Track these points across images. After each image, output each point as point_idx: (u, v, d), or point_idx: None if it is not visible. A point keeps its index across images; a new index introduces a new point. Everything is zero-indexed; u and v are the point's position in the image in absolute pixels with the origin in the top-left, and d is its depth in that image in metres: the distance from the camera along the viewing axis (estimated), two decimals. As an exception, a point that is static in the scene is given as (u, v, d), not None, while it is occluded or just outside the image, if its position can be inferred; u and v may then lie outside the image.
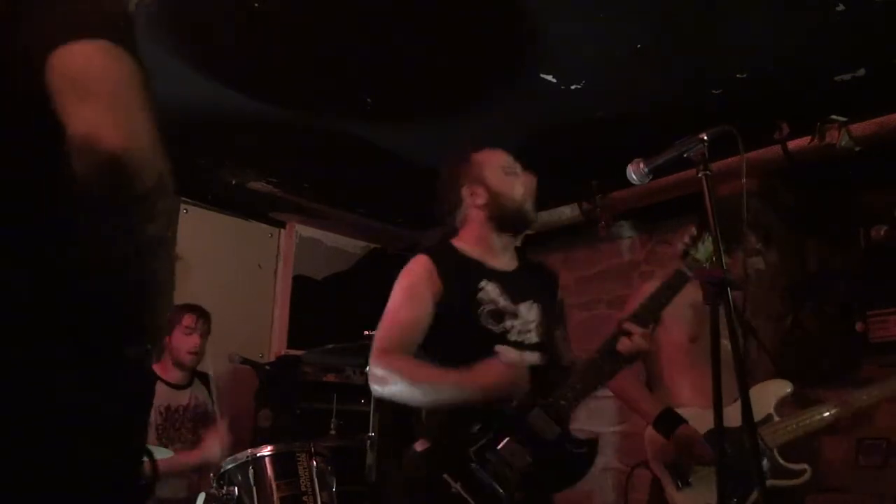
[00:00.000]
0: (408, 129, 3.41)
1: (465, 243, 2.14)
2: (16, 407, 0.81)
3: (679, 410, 2.45)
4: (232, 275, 4.29)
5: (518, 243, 2.22)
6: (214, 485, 2.49)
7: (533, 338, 2.03)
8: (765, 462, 2.35)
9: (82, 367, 0.87)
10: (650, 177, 1.87)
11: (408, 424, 2.17)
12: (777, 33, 2.57)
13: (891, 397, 2.50)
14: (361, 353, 2.56)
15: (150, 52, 2.87)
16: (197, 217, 4.19)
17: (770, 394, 2.51)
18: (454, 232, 2.19)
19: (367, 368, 2.04)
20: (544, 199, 4.05)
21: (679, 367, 2.58)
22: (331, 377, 3.96)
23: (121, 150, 0.83)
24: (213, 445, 2.97)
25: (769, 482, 2.29)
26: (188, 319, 3.27)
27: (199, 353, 3.28)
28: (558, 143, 3.46)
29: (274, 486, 2.41)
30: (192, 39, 2.72)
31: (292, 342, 4.40)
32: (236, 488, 2.43)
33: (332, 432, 3.31)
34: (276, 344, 4.43)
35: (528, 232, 2.26)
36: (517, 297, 2.04)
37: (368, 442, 2.86)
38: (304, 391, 3.85)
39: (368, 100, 3.11)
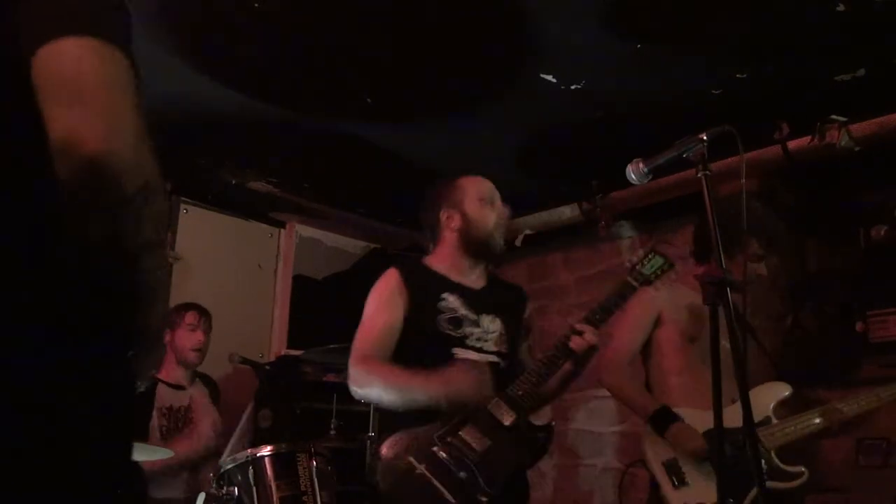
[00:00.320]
0: (408, 129, 3.40)
1: (436, 261, 2.36)
2: None
3: (677, 411, 2.45)
4: (232, 275, 4.29)
5: (491, 268, 2.44)
6: (214, 485, 2.49)
7: (491, 346, 2.24)
8: (762, 464, 2.35)
9: (65, 373, 0.86)
10: (650, 177, 1.88)
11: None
12: (777, 33, 2.57)
13: (880, 407, 2.50)
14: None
15: (150, 52, 2.89)
16: (197, 217, 4.19)
17: (769, 396, 2.51)
18: (429, 250, 2.41)
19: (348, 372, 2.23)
20: (544, 199, 4.10)
21: (677, 367, 2.58)
22: (331, 377, 3.95)
23: (103, 153, 0.82)
24: (206, 429, 2.99)
25: (766, 484, 2.29)
26: (190, 317, 3.28)
27: (203, 350, 3.29)
28: (558, 143, 3.46)
29: (274, 486, 2.41)
30: (192, 39, 2.72)
31: (292, 342, 4.39)
32: (236, 488, 2.43)
33: (332, 432, 3.31)
34: (276, 344, 4.43)
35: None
36: (479, 310, 2.26)
37: (368, 442, 2.86)
38: (304, 391, 3.84)
39: (368, 100, 3.11)
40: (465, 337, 2.20)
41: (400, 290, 2.24)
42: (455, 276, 2.32)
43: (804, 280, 3.48)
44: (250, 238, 4.47)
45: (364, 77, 2.96)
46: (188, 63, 2.84)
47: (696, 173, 1.73)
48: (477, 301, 2.28)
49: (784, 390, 2.53)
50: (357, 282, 4.82)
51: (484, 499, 1.90)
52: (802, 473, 2.41)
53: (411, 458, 1.94)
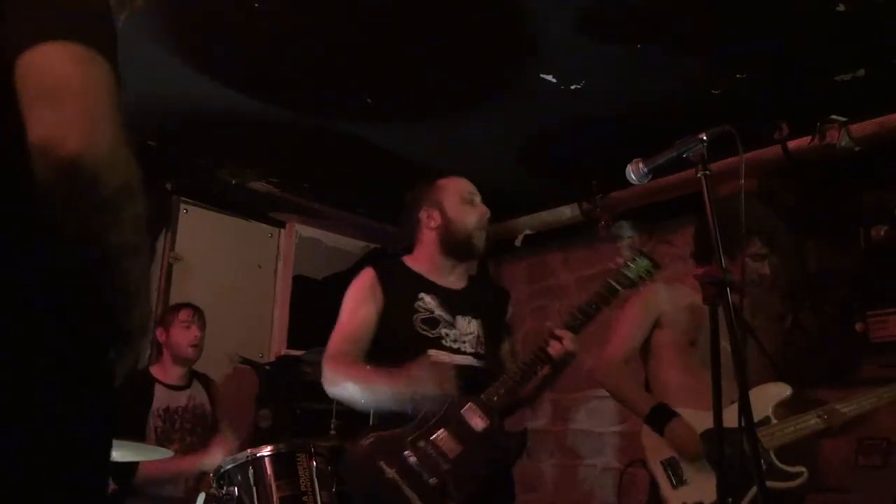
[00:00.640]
0: (408, 129, 3.41)
1: (415, 261, 2.35)
2: None
3: (677, 411, 2.45)
4: (232, 275, 4.29)
5: (472, 270, 2.44)
6: (214, 485, 2.49)
7: (468, 347, 2.21)
8: (761, 463, 2.36)
9: (44, 376, 0.86)
10: (650, 177, 1.87)
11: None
12: (777, 33, 2.57)
13: (879, 407, 2.50)
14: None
15: (150, 52, 2.89)
16: (197, 217, 4.18)
17: (769, 396, 2.51)
18: (409, 250, 2.39)
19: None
20: (544, 199, 4.10)
21: (677, 368, 2.58)
22: (331, 377, 3.95)
23: (80, 156, 0.82)
24: (217, 455, 2.96)
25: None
26: (184, 314, 3.29)
27: (200, 346, 3.29)
28: (558, 143, 3.46)
29: (274, 486, 2.41)
30: (192, 39, 2.72)
31: (292, 342, 4.39)
32: (236, 488, 2.43)
33: (332, 432, 3.31)
34: (276, 344, 4.43)
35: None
36: (456, 311, 2.24)
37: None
38: (304, 391, 3.84)
39: (368, 100, 3.11)
40: (441, 338, 2.17)
41: (375, 290, 2.23)
42: (433, 277, 2.30)
43: (804, 280, 3.48)
44: (250, 238, 4.47)
45: (364, 77, 2.96)
46: (188, 63, 2.84)
47: (696, 173, 1.73)
48: (454, 302, 2.26)
49: (784, 391, 2.53)
50: (357, 282, 4.85)
51: None
52: (802, 473, 2.41)
53: (382, 463, 1.92)
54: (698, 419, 2.38)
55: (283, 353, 4.34)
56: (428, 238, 2.33)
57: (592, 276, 4.25)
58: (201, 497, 2.58)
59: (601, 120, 3.20)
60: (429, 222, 2.33)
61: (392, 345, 2.16)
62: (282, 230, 4.62)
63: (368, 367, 2.10)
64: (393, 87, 3.03)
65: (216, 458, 2.90)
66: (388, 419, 2.06)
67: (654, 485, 2.44)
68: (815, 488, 2.75)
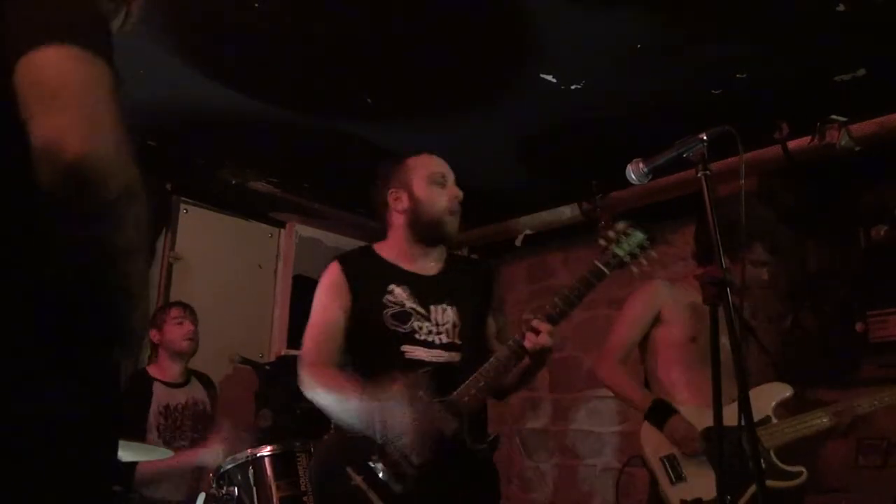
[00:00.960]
0: (408, 129, 3.40)
1: (385, 247, 2.22)
2: None
3: (676, 406, 2.45)
4: (232, 275, 4.29)
5: (444, 254, 2.23)
6: (214, 485, 2.49)
7: (444, 339, 2.06)
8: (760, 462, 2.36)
9: (48, 378, 0.86)
10: (650, 177, 1.87)
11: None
12: (777, 33, 2.57)
13: (890, 405, 2.50)
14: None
15: (150, 52, 2.88)
16: (197, 217, 4.18)
17: (769, 396, 2.51)
18: (382, 235, 2.26)
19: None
20: (544, 199, 4.10)
21: (677, 366, 2.58)
22: (331, 377, 3.95)
23: (83, 158, 0.82)
24: (215, 450, 2.97)
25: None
26: (175, 312, 3.33)
27: (194, 339, 3.30)
28: (558, 143, 3.46)
29: (274, 487, 2.41)
30: (192, 39, 2.72)
31: (292, 342, 4.38)
32: (236, 488, 2.43)
33: (332, 432, 3.30)
34: (276, 344, 4.43)
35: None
36: (429, 300, 2.09)
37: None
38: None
39: (368, 100, 3.11)
40: (414, 332, 2.03)
41: (341, 286, 2.09)
42: (404, 264, 2.15)
43: (804, 280, 3.48)
44: (250, 238, 4.47)
45: (364, 77, 2.96)
46: (188, 63, 2.84)
47: (696, 173, 1.73)
48: (427, 290, 2.10)
49: (785, 391, 2.54)
50: (357, 282, 4.85)
51: None
52: (802, 473, 2.41)
53: (348, 469, 1.86)
54: (698, 415, 2.39)
55: (283, 353, 4.33)
56: (396, 221, 2.19)
57: (592, 276, 4.25)
58: (201, 497, 2.58)
59: (601, 120, 3.20)
60: (396, 204, 2.18)
61: (364, 342, 2.06)
62: (282, 230, 4.62)
63: (344, 377, 1.99)
64: (393, 87, 3.03)
65: (215, 452, 2.91)
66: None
67: (653, 482, 2.44)
68: (815, 488, 2.75)
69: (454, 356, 2.05)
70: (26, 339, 0.85)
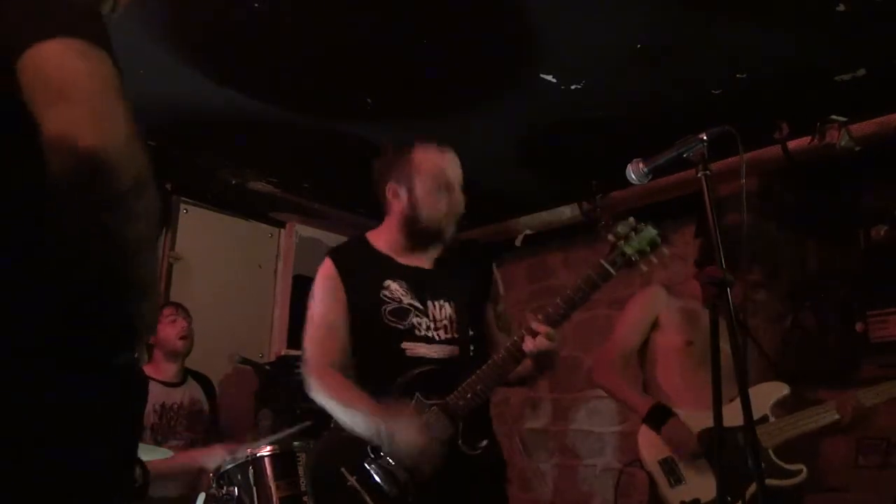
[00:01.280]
0: (408, 129, 3.40)
1: (381, 238, 2.15)
2: None
3: (675, 412, 2.45)
4: (232, 275, 4.29)
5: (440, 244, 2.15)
6: (214, 485, 2.49)
7: (443, 334, 2.02)
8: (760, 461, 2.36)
9: (67, 373, 0.86)
10: (650, 177, 1.87)
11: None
12: (777, 33, 2.57)
13: (892, 399, 2.50)
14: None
15: (150, 52, 2.88)
16: (197, 217, 4.19)
17: (767, 395, 2.51)
18: (380, 222, 2.18)
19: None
20: (544, 199, 4.10)
21: (675, 369, 2.59)
22: (331, 377, 3.95)
23: (96, 150, 0.83)
24: (217, 455, 2.96)
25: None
26: (168, 311, 3.35)
27: (189, 337, 3.32)
28: (558, 143, 3.46)
29: (274, 487, 2.41)
30: (192, 39, 2.72)
31: (292, 342, 4.39)
32: (236, 488, 2.43)
33: (329, 432, 3.30)
34: (276, 344, 4.43)
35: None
36: (426, 296, 2.05)
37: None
38: (304, 391, 3.84)
39: (368, 100, 3.11)
40: (413, 328, 2.00)
41: (336, 284, 2.05)
42: (399, 257, 2.10)
43: (804, 280, 3.48)
44: (250, 238, 4.47)
45: (364, 77, 2.95)
46: (188, 63, 2.84)
47: (696, 173, 1.73)
48: (424, 285, 2.06)
49: (782, 389, 2.54)
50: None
51: None
52: (801, 471, 2.41)
53: (343, 470, 1.85)
54: (695, 419, 2.39)
55: (283, 353, 4.34)
56: (394, 211, 2.12)
57: (592, 276, 4.24)
58: (201, 497, 2.58)
59: (601, 120, 3.20)
60: (393, 199, 2.11)
61: (364, 339, 2.03)
62: (282, 230, 4.62)
63: (353, 390, 1.95)
64: (393, 87, 3.03)
65: (215, 458, 2.90)
66: None
67: (652, 484, 2.45)
68: (815, 488, 2.75)
69: (454, 350, 2.02)
70: (38, 337, 0.85)
